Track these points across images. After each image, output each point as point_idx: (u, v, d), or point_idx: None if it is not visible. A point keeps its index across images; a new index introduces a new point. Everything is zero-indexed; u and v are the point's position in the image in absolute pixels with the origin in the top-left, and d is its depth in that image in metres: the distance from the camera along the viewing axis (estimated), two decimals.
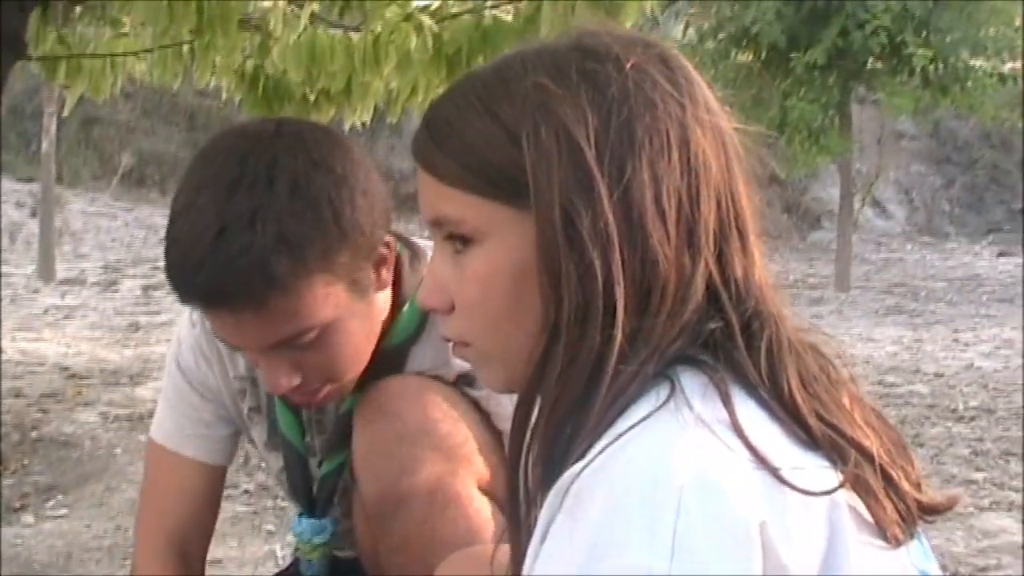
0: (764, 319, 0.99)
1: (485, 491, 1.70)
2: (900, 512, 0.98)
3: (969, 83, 12.49)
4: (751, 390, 0.96)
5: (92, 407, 5.32)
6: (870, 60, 12.84)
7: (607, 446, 0.90)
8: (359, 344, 1.62)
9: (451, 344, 1.10)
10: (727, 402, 0.93)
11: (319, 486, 1.82)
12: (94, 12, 9.68)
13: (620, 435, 0.90)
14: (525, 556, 0.97)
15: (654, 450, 0.88)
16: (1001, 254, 17.15)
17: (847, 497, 0.94)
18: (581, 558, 0.87)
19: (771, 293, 1.02)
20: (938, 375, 7.69)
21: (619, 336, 0.95)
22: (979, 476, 4.98)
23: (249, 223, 1.45)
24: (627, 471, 0.88)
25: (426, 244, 1.76)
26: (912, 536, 1.00)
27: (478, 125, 1.01)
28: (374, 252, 1.58)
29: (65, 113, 4.88)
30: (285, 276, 1.47)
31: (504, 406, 1.73)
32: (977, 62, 12.59)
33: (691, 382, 0.94)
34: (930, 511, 1.02)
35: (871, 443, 0.98)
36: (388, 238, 1.61)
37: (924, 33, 12.29)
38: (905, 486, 0.99)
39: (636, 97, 0.98)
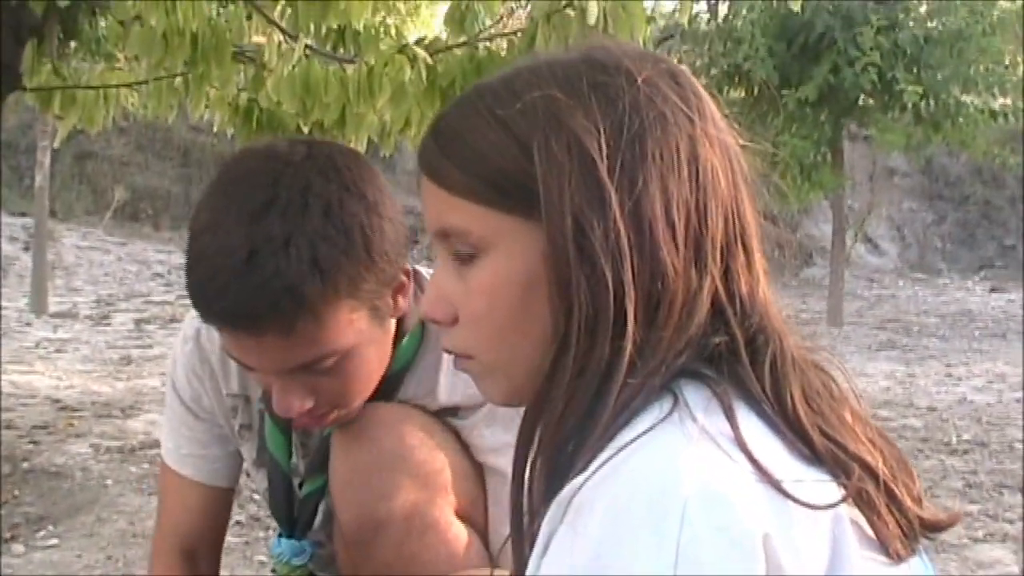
0: (768, 335, 1.00)
1: (463, 519, 1.70)
2: (902, 528, 0.98)
3: (960, 119, 12.54)
4: (754, 404, 0.96)
5: (83, 439, 5.30)
6: (861, 97, 12.88)
7: (609, 458, 0.90)
8: (372, 370, 1.63)
9: (453, 356, 1.10)
10: (730, 416, 0.93)
11: (300, 507, 1.82)
12: (88, 47, 9.70)
13: (622, 447, 0.90)
14: (526, 568, 0.96)
15: (658, 462, 0.88)
16: (993, 290, 17.20)
17: (849, 512, 0.94)
18: (583, 570, 0.86)
19: (775, 310, 1.03)
20: (931, 409, 7.67)
21: (629, 347, 0.95)
22: (973, 508, 4.98)
23: (283, 246, 1.44)
24: (630, 482, 0.87)
25: (428, 272, 1.76)
26: (914, 552, 1.00)
27: (488, 135, 1.01)
28: (395, 279, 1.59)
29: (57, 144, 4.89)
30: (315, 301, 1.46)
31: (485, 438, 1.74)
32: (968, 98, 12.63)
33: (694, 395, 0.94)
34: (932, 528, 1.02)
35: (873, 459, 0.98)
36: (406, 266, 1.62)
37: (915, 69, 12.34)
38: (907, 502, 0.99)
39: (647, 110, 0.99)
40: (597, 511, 0.87)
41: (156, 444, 5.31)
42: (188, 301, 1.54)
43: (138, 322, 11.00)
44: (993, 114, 12.77)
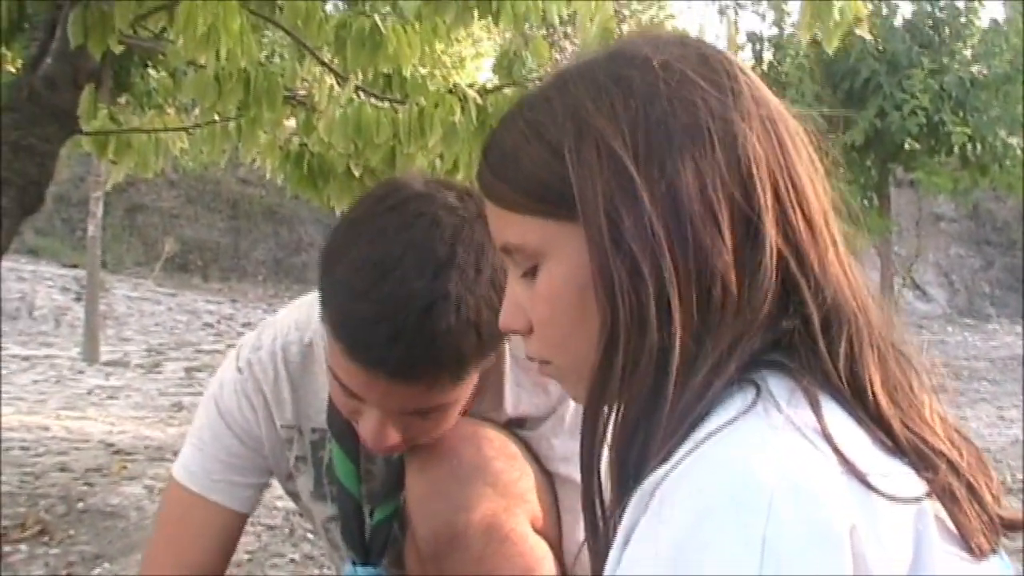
0: (844, 314, 0.98)
1: (537, 531, 1.70)
2: (984, 523, 0.96)
3: (1008, 161, 12.48)
4: (835, 394, 0.95)
5: (137, 481, 5.32)
6: (907, 141, 12.85)
7: (693, 449, 0.89)
8: (460, 413, 1.66)
9: (538, 364, 1.11)
10: (815, 407, 0.92)
11: (372, 534, 1.83)
12: (139, 100, 9.83)
13: (706, 438, 0.90)
14: (605, 563, 0.96)
15: (743, 452, 0.88)
16: None
17: (932, 506, 0.93)
18: (668, 561, 0.86)
19: (853, 282, 1.01)
20: (985, 451, 7.57)
21: (678, 334, 0.95)
22: None
23: (456, 306, 1.47)
24: (715, 473, 0.87)
25: None
26: (995, 549, 0.98)
27: (526, 148, 1.03)
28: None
29: (110, 186, 4.95)
30: (469, 362, 1.52)
31: (554, 447, 1.76)
32: (1015, 140, 12.57)
33: (778, 386, 0.94)
34: (1011, 527, 1.01)
35: (955, 453, 0.97)
36: None
37: (961, 113, 12.31)
38: (988, 498, 0.98)
39: (671, 97, 0.99)
40: (681, 502, 0.87)
41: None
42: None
43: (188, 370, 11.05)
44: None
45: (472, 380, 1.58)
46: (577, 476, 1.73)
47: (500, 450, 1.71)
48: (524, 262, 1.06)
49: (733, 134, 0.99)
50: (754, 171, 0.98)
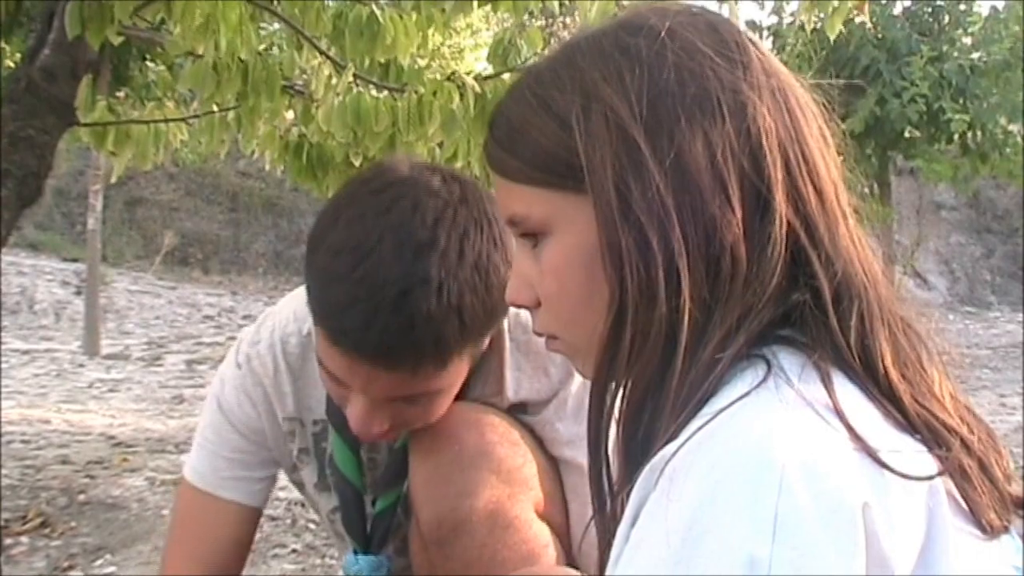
0: (854, 287, 0.97)
1: (542, 516, 1.70)
2: (995, 500, 0.95)
3: (1008, 149, 12.48)
4: (846, 369, 0.94)
5: (139, 472, 5.32)
6: (907, 129, 12.84)
7: (703, 425, 0.88)
8: (450, 401, 1.65)
9: (545, 339, 1.10)
10: (827, 383, 0.91)
11: (374, 523, 1.83)
12: (138, 93, 9.82)
13: (716, 414, 0.89)
14: (612, 540, 0.95)
15: (755, 428, 0.86)
16: None
17: (945, 484, 0.92)
18: (677, 538, 0.84)
19: (862, 253, 1.01)
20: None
21: (687, 307, 0.94)
22: None
23: (436, 290, 1.45)
24: (726, 450, 0.86)
25: None
26: (1007, 526, 0.97)
27: (532, 118, 1.02)
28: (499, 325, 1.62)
29: (114, 179, 4.93)
30: (452, 347, 1.50)
31: (558, 431, 1.75)
32: (1015, 127, 12.56)
33: (789, 361, 0.93)
34: (1020, 504, 0.99)
35: (967, 430, 0.96)
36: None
37: (961, 100, 12.30)
38: (999, 475, 0.97)
39: (679, 66, 0.98)
40: (692, 478, 0.85)
41: None
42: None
43: (189, 363, 11.07)
44: None
45: (460, 367, 1.57)
46: (582, 459, 1.73)
47: (504, 436, 1.70)
48: (530, 233, 1.05)
49: (743, 104, 0.98)
50: (764, 142, 0.97)
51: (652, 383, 0.96)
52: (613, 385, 1.01)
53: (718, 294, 0.95)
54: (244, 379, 1.82)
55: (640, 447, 0.95)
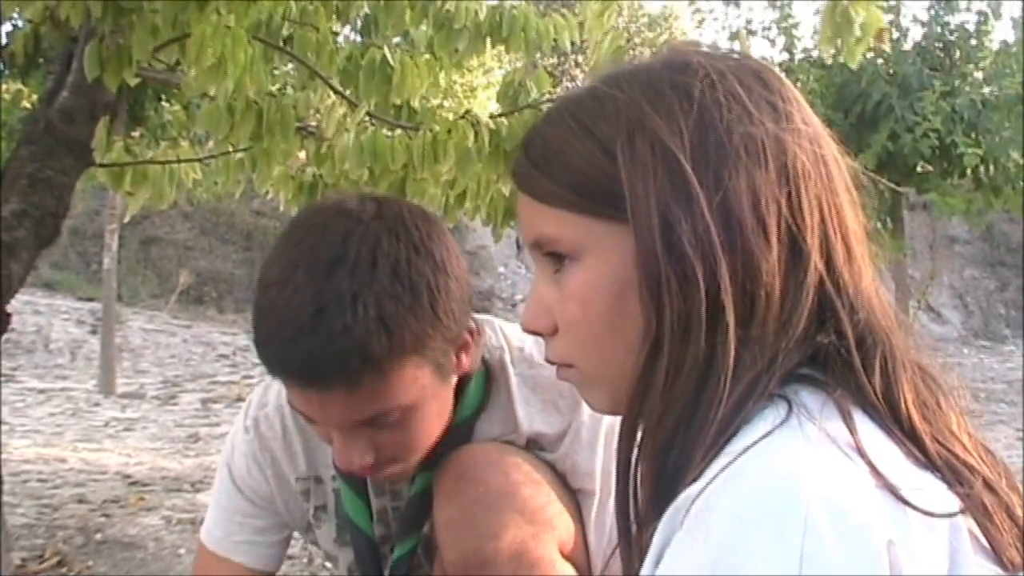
0: (876, 333, 0.99)
1: (565, 557, 1.70)
2: (1015, 537, 0.95)
3: (1021, 183, 12.46)
4: (868, 409, 0.95)
5: (155, 511, 5.34)
6: (920, 163, 12.83)
7: (727, 464, 0.89)
8: (433, 426, 1.64)
9: (556, 367, 1.10)
10: (848, 421, 0.92)
11: (392, 571, 1.83)
12: (153, 133, 9.86)
13: (740, 453, 0.89)
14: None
15: (779, 467, 0.87)
16: None
17: (966, 521, 0.92)
18: None
19: (882, 306, 1.02)
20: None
21: (730, 343, 0.94)
22: None
23: (351, 303, 1.45)
24: (751, 488, 0.86)
25: (484, 318, 1.79)
26: None
27: (574, 143, 1.03)
28: (460, 338, 1.60)
29: (127, 218, 4.96)
30: (381, 357, 1.48)
31: (577, 465, 1.76)
32: None
33: (809, 400, 0.93)
34: None
35: (988, 469, 0.97)
36: (470, 324, 1.64)
37: (973, 135, 12.30)
38: (1019, 512, 0.97)
39: (728, 108, 0.99)
40: (718, 517, 0.85)
41: None
42: (254, 381, 1.55)
43: (204, 402, 11.07)
44: None
45: (413, 380, 1.54)
46: (599, 490, 1.74)
47: (527, 476, 1.70)
48: (556, 256, 1.05)
49: (784, 152, 0.99)
50: (803, 190, 0.99)
51: (683, 418, 0.96)
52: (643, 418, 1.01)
53: (753, 333, 0.96)
54: (252, 444, 1.85)
55: (668, 482, 0.95)
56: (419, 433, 1.62)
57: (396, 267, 1.49)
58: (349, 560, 1.88)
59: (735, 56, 1.07)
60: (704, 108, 0.99)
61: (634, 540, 1.03)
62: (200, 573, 1.91)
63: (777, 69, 1.10)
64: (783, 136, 1.00)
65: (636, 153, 0.99)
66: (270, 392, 1.87)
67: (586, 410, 1.74)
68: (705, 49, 1.07)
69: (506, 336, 1.80)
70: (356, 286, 1.46)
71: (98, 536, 4.82)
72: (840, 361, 0.97)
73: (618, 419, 1.08)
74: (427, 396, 1.58)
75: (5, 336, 3.72)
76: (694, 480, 0.90)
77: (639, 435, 1.01)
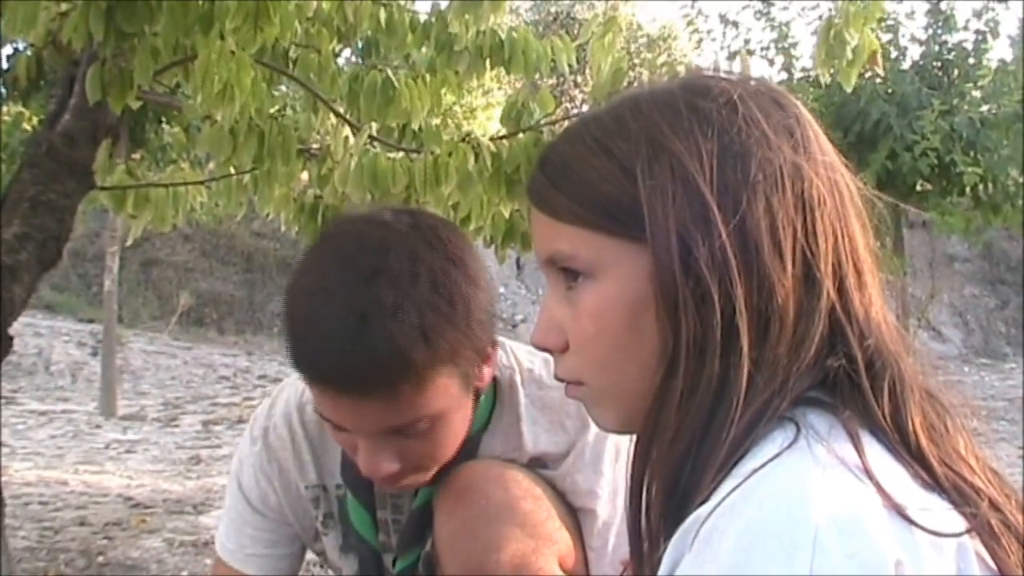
0: (885, 357, 1.00)
1: (565, 571, 1.71)
2: (1022, 560, 0.96)
3: (1020, 201, 12.47)
4: (876, 431, 0.95)
5: (157, 534, 5.34)
6: (919, 182, 12.84)
7: (736, 486, 0.89)
8: (457, 435, 1.66)
9: (565, 384, 1.10)
10: (856, 442, 0.92)
11: None
12: (153, 156, 9.86)
13: (749, 475, 0.89)
14: None
15: (789, 488, 0.87)
16: None
17: (973, 543, 0.92)
18: None
19: (891, 333, 1.03)
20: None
21: (744, 365, 0.95)
22: None
23: (393, 312, 1.47)
24: (760, 510, 0.86)
25: (509, 343, 1.81)
26: None
27: (593, 162, 1.03)
28: (485, 350, 1.62)
29: (130, 242, 4.96)
30: (421, 366, 1.50)
31: (578, 483, 1.77)
32: None
33: (817, 422, 0.94)
34: None
35: (994, 490, 0.98)
36: (493, 337, 1.66)
37: (972, 153, 12.31)
38: None
39: (747, 133, 1.00)
40: (727, 539, 0.86)
41: None
42: (255, 403, 1.56)
43: (206, 423, 11.06)
44: None
45: (445, 390, 1.56)
46: (600, 510, 1.75)
47: (527, 491, 1.72)
48: (570, 274, 1.05)
49: (801, 178, 1.00)
50: (818, 217, 1.00)
51: (695, 438, 0.96)
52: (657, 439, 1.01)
53: (766, 356, 0.96)
54: (260, 456, 1.86)
55: (680, 501, 0.95)
56: (444, 442, 1.64)
57: (434, 278, 1.52)
58: (353, 570, 1.90)
59: (753, 81, 1.08)
60: (723, 132, 1.00)
61: (646, 558, 1.03)
62: None
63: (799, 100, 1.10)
64: (800, 162, 1.01)
65: (656, 174, 1.00)
66: (278, 402, 1.89)
67: (592, 430, 1.75)
68: (723, 74, 1.09)
69: (516, 357, 1.82)
70: (398, 296, 1.49)
71: (100, 559, 4.81)
72: (849, 384, 0.97)
73: (625, 440, 1.09)
74: (454, 406, 1.60)
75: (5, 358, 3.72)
76: (704, 501, 0.91)
77: (653, 454, 1.01)
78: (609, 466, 1.77)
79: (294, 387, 1.88)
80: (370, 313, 1.47)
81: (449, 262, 1.55)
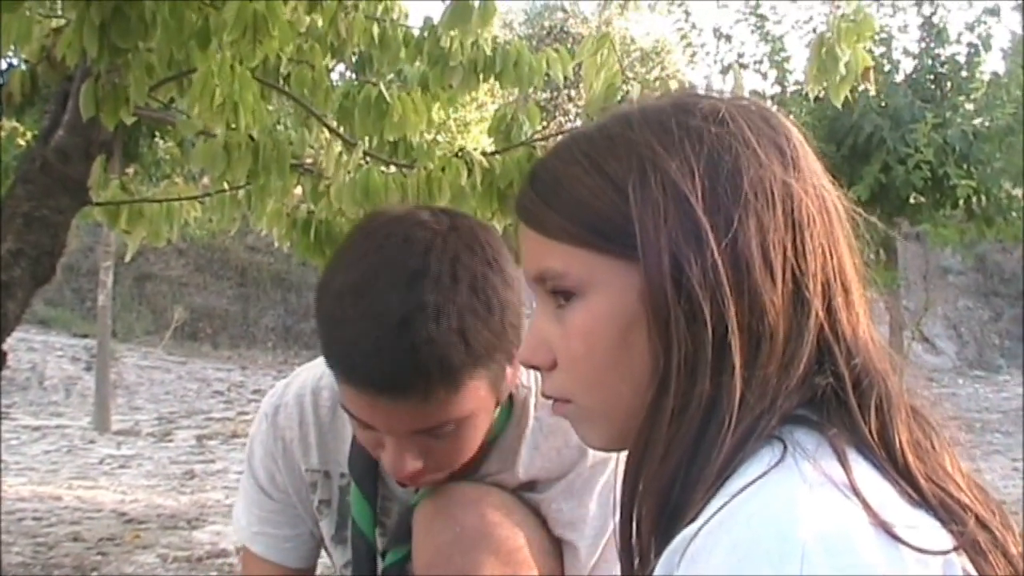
0: (873, 376, 0.99)
1: None
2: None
3: (1013, 213, 12.50)
4: (863, 449, 0.95)
5: (151, 549, 5.33)
6: (913, 194, 12.86)
7: (723, 505, 0.89)
8: (478, 438, 1.66)
9: (552, 402, 1.10)
10: (843, 460, 0.92)
11: (383, 575, 1.84)
12: (147, 171, 9.87)
13: (736, 494, 0.89)
14: None
15: (776, 505, 0.87)
16: None
17: (959, 560, 0.92)
18: None
19: (878, 351, 1.03)
20: (1001, 503, 7.55)
21: (736, 384, 0.95)
22: None
23: (434, 315, 1.47)
24: (748, 528, 0.86)
25: None
26: None
27: (584, 179, 1.03)
28: (512, 352, 1.61)
29: (128, 258, 4.96)
30: (458, 370, 1.50)
31: (562, 512, 1.77)
32: (1019, 191, 12.58)
33: (804, 440, 0.94)
34: None
35: (981, 507, 0.97)
36: (521, 340, 1.65)
37: (965, 166, 12.33)
38: (1013, 551, 0.98)
39: (738, 151, 1.00)
40: (716, 558, 0.86)
41: (224, 553, 5.33)
42: (249, 417, 1.56)
43: (200, 438, 11.05)
44: None
45: (477, 393, 1.56)
46: (579, 542, 1.75)
47: (505, 517, 1.71)
48: (560, 292, 1.05)
49: (791, 197, 1.00)
50: (807, 236, 1.00)
51: (686, 456, 0.96)
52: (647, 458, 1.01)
53: (757, 374, 0.96)
54: (267, 434, 1.88)
55: (670, 519, 0.95)
56: (468, 443, 1.64)
57: (474, 281, 1.52)
58: (343, 560, 1.90)
59: (744, 100, 1.08)
60: (714, 150, 1.00)
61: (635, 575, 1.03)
62: (243, 563, 1.97)
63: (770, 103, 1.11)
64: (790, 181, 1.01)
65: (648, 192, 0.99)
66: (294, 382, 1.89)
67: (588, 462, 1.74)
68: (714, 92, 1.10)
69: (536, 379, 1.80)
70: (439, 298, 1.48)
71: (94, 574, 4.80)
72: (836, 402, 0.97)
73: (618, 478, 1.08)
74: (482, 408, 1.60)
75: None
76: (692, 520, 0.91)
77: (644, 472, 1.01)
78: (596, 503, 1.75)
79: (312, 371, 1.88)
80: (412, 316, 1.47)
81: (487, 265, 1.55)
